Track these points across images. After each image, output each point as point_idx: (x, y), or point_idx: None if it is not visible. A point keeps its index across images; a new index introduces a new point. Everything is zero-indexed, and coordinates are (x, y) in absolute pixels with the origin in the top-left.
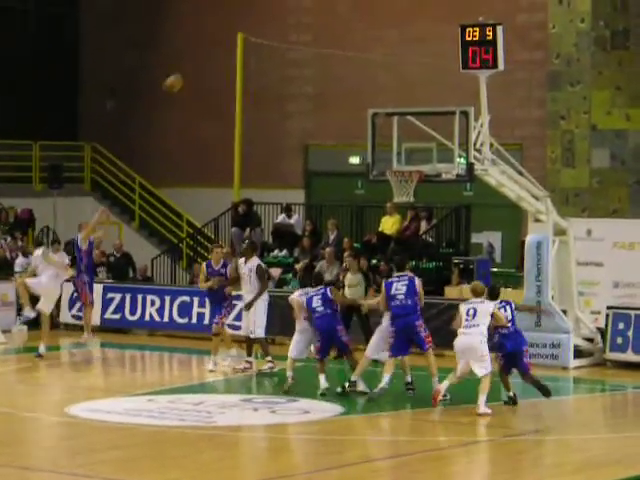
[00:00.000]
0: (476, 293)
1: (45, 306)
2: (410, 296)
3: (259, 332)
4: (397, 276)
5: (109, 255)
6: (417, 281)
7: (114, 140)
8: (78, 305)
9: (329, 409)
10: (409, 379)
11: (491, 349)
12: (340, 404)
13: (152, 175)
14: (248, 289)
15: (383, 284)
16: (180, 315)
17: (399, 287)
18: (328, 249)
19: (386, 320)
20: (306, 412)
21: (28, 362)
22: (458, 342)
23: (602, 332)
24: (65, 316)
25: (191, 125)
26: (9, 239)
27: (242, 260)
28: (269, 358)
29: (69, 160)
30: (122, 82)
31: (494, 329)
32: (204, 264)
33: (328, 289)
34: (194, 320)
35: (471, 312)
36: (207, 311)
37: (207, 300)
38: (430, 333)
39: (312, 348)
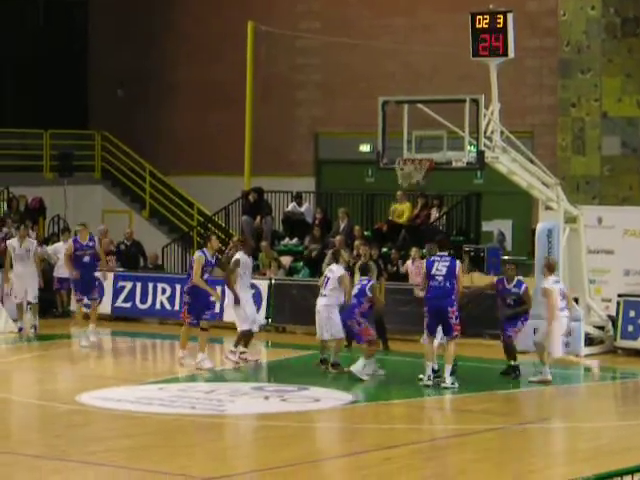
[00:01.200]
0: (553, 269)
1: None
2: (449, 279)
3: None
4: (439, 255)
5: (119, 243)
6: (458, 264)
7: (124, 128)
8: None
9: (340, 397)
10: (435, 367)
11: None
12: (350, 392)
13: (162, 163)
14: (248, 284)
15: (424, 262)
16: None
17: (440, 267)
18: (338, 237)
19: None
20: (317, 400)
21: (39, 350)
22: (567, 325)
23: (613, 320)
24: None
25: (201, 113)
26: (22, 228)
27: (243, 255)
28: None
29: (79, 149)
30: (132, 71)
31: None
32: (201, 255)
33: (368, 285)
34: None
35: (561, 294)
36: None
37: (191, 295)
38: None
39: None
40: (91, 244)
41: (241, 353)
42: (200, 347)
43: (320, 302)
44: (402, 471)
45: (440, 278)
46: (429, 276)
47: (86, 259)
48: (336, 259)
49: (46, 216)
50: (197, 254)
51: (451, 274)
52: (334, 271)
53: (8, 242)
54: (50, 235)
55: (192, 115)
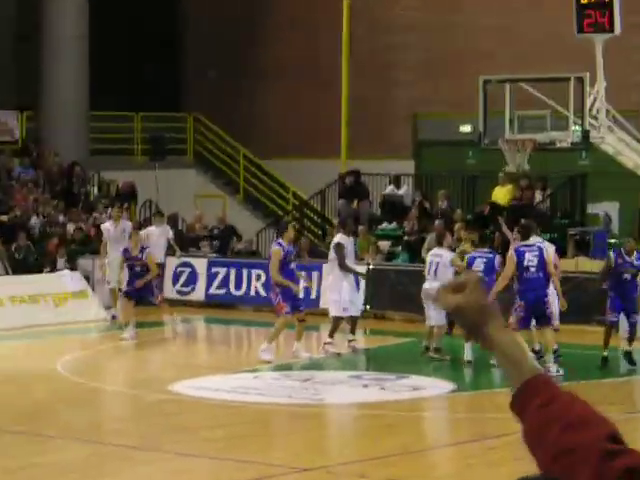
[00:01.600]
0: None
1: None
2: (541, 268)
3: None
4: (526, 245)
5: (212, 228)
6: (546, 250)
7: (217, 111)
8: (182, 280)
9: (440, 386)
10: (537, 347)
11: None
12: (452, 381)
13: (256, 146)
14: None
15: (513, 252)
16: None
17: (531, 258)
18: (438, 221)
19: None
20: (416, 389)
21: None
22: None
23: None
24: (169, 292)
25: (296, 95)
26: (116, 209)
27: (343, 237)
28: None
29: (171, 131)
30: (225, 53)
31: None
32: (278, 248)
33: (497, 257)
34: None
35: None
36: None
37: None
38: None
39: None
40: (141, 256)
41: (325, 344)
42: (297, 336)
43: (427, 287)
44: (505, 461)
45: (533, 269)
46: (521, 268)
47: (137, 269)
48: (440, 242)
49: (137, 200)
50: (274, 247)
51: (542, 263)
52: (441, 255)
53: (102, 226)
54: (143, 220)
55: (287, 97)
